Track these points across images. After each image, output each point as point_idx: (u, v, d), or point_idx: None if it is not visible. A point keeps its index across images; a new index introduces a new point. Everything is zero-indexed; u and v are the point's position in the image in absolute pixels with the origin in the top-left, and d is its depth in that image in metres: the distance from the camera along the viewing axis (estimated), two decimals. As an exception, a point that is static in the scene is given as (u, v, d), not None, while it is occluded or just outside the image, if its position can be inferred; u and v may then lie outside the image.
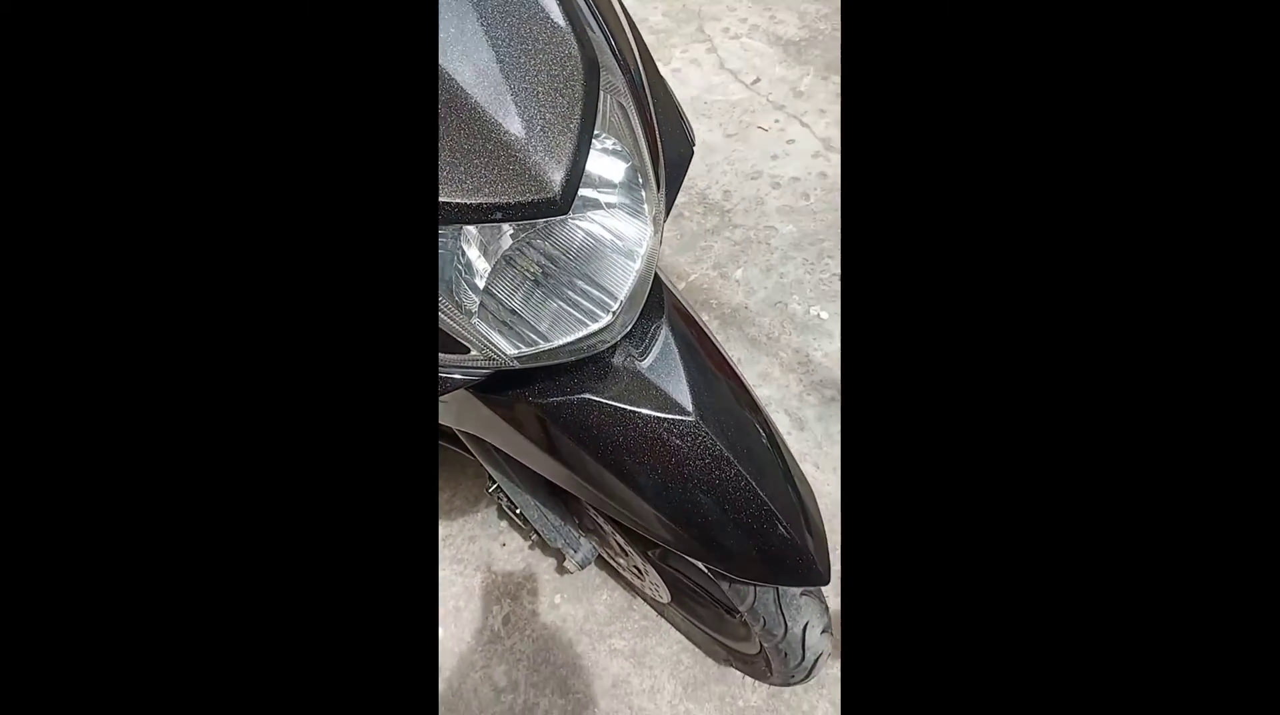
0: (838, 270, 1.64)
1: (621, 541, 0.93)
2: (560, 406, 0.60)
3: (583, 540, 0.95)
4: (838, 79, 1.98)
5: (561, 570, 1.31)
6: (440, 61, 0.47)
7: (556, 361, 0.57)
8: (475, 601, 1.31)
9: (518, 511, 0.99)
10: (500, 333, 0.54)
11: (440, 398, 0.66)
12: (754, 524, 0.62)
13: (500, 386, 0.61)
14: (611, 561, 1.06)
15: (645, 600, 1.25)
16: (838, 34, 2.09)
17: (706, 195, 1.80)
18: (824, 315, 1.58)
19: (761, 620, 0.76)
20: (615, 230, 0.55)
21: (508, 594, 1.31)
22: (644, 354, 0.62)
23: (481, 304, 0.53)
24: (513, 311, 0.54)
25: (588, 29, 0.52)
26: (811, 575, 0.66)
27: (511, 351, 0.54)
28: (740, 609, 0.77)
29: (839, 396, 1.46)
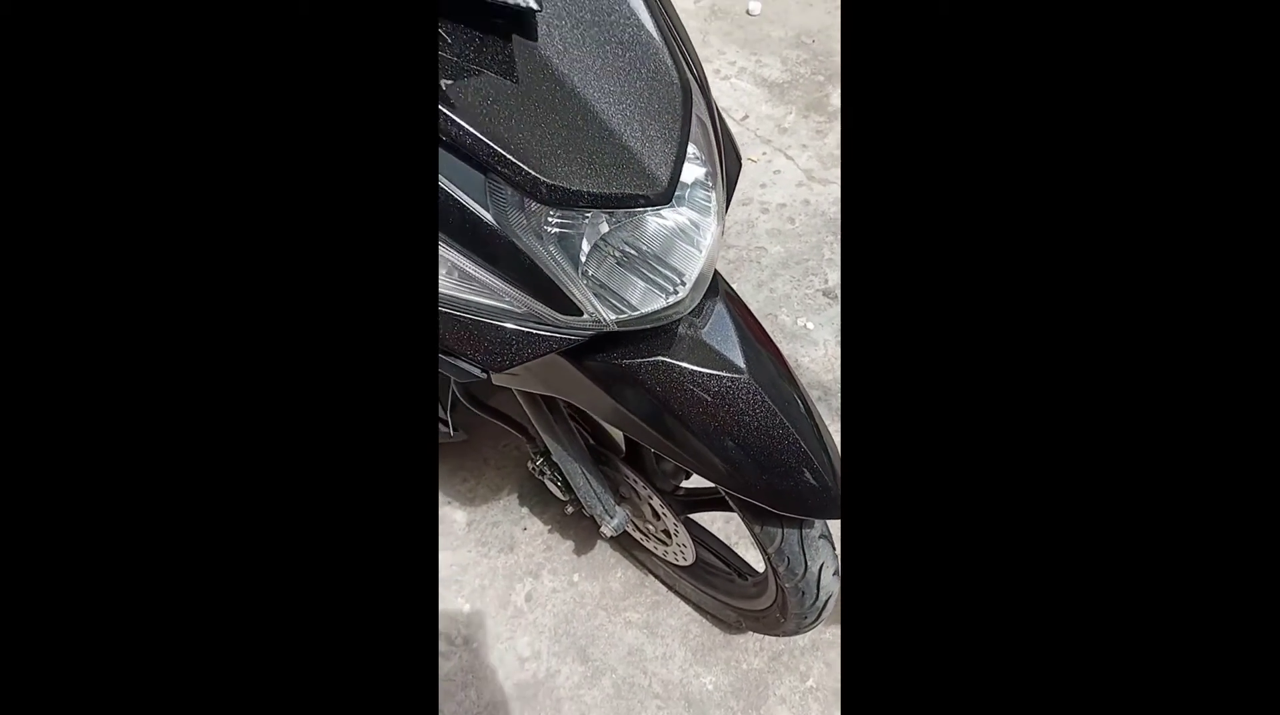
0: (821, 286, 1.81)
1: (657, 506, 1.06)
2: (639, 366, 0.74)
3: (618, 508, 1.08)
4: (817, 117, 2.18)
5: (580, 551, 1.43)
6: (574, 80, 0.62)
7: (642, 327, 0.71)
8: (499, 580, 1.41)
9: (560, 481, 1.11)
10: (599, 301, 0.68)
11: (534, 365, 0.79)
12: (793, 463, 0.77)
13: (590, 353, 0.75)
14: (640, 529, 1.19)
15: (657, 577, 1.38)
16: (817, 78, 2.30)
17: (701, 218, 1.97)
18: (810, 326, 1.75)
19: (786, 559, 0.90)
20: (682, 224, 0.70)
21: (529, 573, 1.42)
22: (704, 324, 0.77)
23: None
24: (602, 284, 0.68)
25: (680, 57, 0.67)
26: (835, 511, 0.81)
27: (612, 316, 0.69)
28: (769, 550, 0.90)
29: (826, 397, 1.62)
